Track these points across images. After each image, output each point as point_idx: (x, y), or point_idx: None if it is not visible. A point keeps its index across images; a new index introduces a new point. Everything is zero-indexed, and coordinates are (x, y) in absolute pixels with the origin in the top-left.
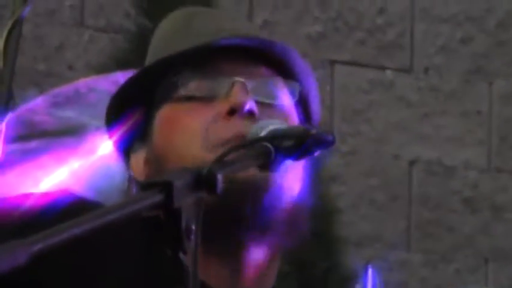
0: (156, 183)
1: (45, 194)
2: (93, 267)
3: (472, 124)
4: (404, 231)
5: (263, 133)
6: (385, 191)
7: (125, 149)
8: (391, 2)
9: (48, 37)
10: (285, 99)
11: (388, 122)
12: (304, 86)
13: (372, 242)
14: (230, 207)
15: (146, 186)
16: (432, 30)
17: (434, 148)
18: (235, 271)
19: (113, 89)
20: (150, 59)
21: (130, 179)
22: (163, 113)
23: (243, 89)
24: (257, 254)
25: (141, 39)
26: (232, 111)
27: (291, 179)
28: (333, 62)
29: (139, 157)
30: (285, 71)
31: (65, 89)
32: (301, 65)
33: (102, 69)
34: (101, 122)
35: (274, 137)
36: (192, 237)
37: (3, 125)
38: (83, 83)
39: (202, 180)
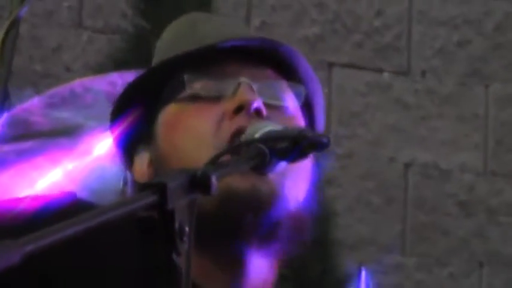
0: (151, 184)
1: (41, 196)
2: (87, 268)
3: (468, 127)
4: (400, 235)
5: (258, 135)
6: (381, 194)
7: (128, 151)
8: (388, 5)
9: (45, 38)
10: (291, 101)
11: (385, 124)
12: (309, 89)
13: (367, 245)
14: (232, 217)
15: (141, 187)
16: (429, 33)
17: (430, 151)
18: (235, 279)
19: (109, 89)
20: (155, 61)
21: (126, 180)
22: (168, 113)
23: (250, 89)
24: (258, 263)
25: (139, 40)
26: (239, 109)
27: (295, 188)
28: (330, 65)
29: (143, 159)
30: (290, 74)
31: (61, 89)
32: (307, 68)
33: (100, 70)
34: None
35: (269, 139)
36: (185, 238)
37: None
38: (78, 83)
39: (196, 181)
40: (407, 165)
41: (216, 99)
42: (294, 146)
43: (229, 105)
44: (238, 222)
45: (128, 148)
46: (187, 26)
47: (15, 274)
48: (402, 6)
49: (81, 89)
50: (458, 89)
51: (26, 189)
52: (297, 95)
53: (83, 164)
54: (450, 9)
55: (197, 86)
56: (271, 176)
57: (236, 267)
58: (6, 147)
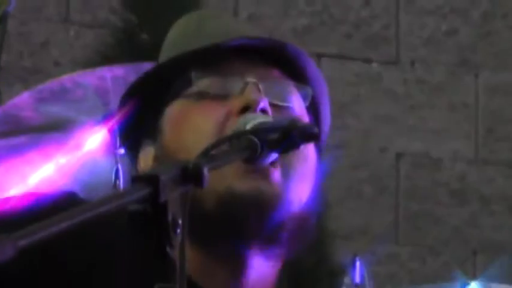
0: (143, 177)
1: (37, 193)
2: (80, 262)
3: (459, 116)
4: (392, 224)
5: (248, 126)
6: (373, 183)
7: (133, 145)
8: None
9: (33, 33)
10: (297, 102)
11: (375, 115)
12: (315, 91)
13: (360, 235)
14: (234, 219)
15: (134, 180)
16: (417, 22)
17: (421, 140)
18: (235, 279)
19: (99, 83)
20: (162, 57)
21: (118, 174)
22: (174, 110)
23: (257, 89)
24: (259, 264)
25: (127, 34)
26: (245, 109)
27: (298, 190)
28: (319, 56)
29: (147, 153)
30: (296, 74)
31: (51, 84)
32: (313, 69)
33: (88, 64)
34: (88, 116)
35: (260, 130)
36: (179, 231)
37: None
38: (68, 78)
39: (188, 173)
40: (398, 155)
41: (223, 97)
42: (285, 136)
43: (235, 104)
44: (240, 224)
45: (133, 142)
46: (195, 23)
47: (8, 268)
48: None
49: (71, 84)
50: (448, 78)
51: (18, 184)
52: (304, 96)
53: (75, 158)
54: None
55: (204, 83)
56: (275, 177)
57: (237, 267)
58: None
